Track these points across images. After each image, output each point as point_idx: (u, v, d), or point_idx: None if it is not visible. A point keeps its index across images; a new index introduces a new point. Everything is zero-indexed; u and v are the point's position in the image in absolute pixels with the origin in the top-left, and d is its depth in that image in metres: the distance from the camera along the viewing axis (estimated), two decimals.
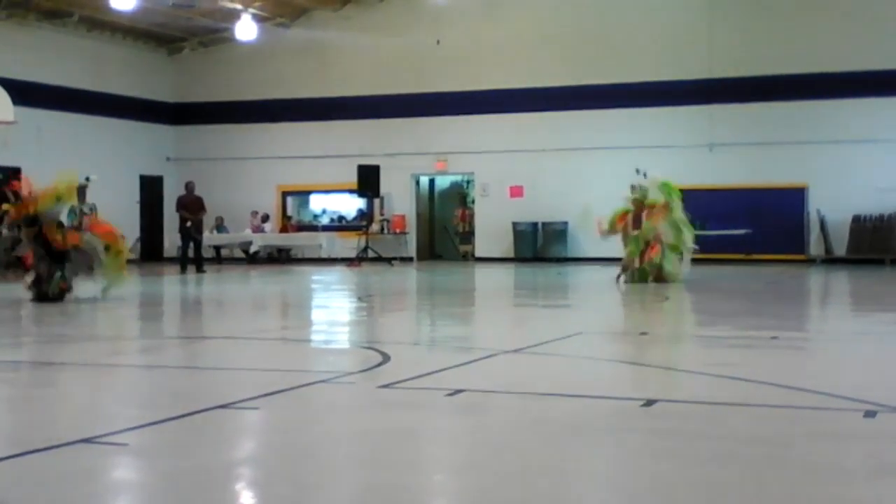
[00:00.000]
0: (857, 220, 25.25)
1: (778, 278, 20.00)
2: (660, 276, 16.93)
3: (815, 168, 25.46)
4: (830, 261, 25.15)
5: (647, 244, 17.02)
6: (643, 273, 17.03)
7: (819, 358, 8.58)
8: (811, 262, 25.27)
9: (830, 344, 9.59)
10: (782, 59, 25.77)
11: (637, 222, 17.20)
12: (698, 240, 17.97)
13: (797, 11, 26.05)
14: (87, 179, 14.44)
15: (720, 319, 11.68)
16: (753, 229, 25.28)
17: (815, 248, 25.75)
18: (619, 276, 17.44)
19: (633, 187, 17.63)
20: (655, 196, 17.34)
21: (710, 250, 25.66)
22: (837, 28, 25.54)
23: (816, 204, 25.55)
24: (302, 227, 30.22)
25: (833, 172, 25.28)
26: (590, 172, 26.54)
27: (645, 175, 17.57)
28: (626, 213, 17.53)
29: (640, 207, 17.29)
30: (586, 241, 24.97)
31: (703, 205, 26.10)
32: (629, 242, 17.31)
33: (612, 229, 17.81)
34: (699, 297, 15.55)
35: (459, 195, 30.52)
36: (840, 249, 25.37)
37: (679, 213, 17.33)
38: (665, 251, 16.98)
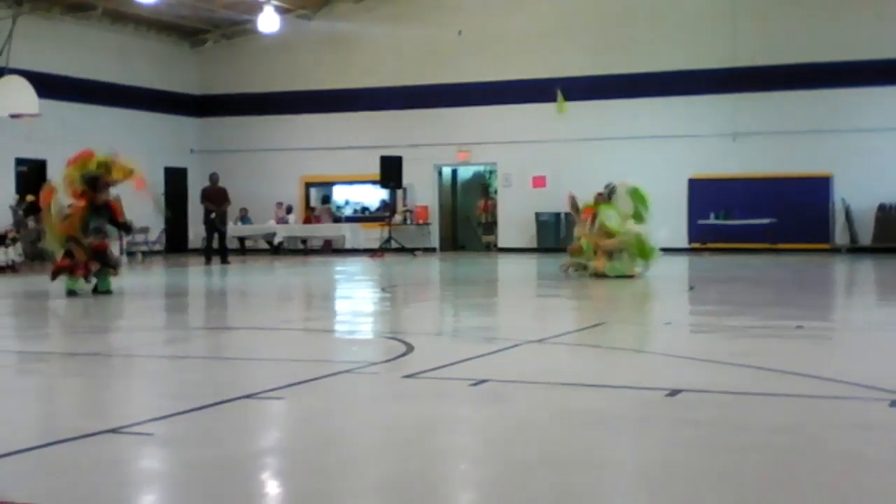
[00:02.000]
0: (883, 209, 25.06)
1: (803, 268, 19.89)
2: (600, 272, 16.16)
3: (840, 157, 25.26)
4: (855, 250, 24.98)
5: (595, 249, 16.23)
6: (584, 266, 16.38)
7: (844, 347, 8.54)
8: (836, 251, 25.11)
9: (856, 333, 9.53)
10: (806, 47, 25.57)
11: (593, 221, 16.45)
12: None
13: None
14: None
15: (744, 309, 11.63)
16: (778, 219, 25.17)
17: (840, 237, 25.56)
18: (566, 268, 16.94)
19: (607, 185, 17.12)
20: (623, 208, 16.45)
21: (734, 240, 25.71)
22: (862, 16, 25.30)
23: (841, 193, 25.36)
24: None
25: (858, 161, 25.09)
26: (612, 162, 26.40)
27: (613, 190, 16.84)
28: (592, 207, 16.81)
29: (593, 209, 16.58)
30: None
31: (727, 194, 26.11)
32: (584, 243, 16.42)
33: (578, 213, 17.17)
34: (723, 287, 15.50)
35: (482, 186, 30.46)
36: (865, 238, 25.19)
37: (643, 226, 16.30)
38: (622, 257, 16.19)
